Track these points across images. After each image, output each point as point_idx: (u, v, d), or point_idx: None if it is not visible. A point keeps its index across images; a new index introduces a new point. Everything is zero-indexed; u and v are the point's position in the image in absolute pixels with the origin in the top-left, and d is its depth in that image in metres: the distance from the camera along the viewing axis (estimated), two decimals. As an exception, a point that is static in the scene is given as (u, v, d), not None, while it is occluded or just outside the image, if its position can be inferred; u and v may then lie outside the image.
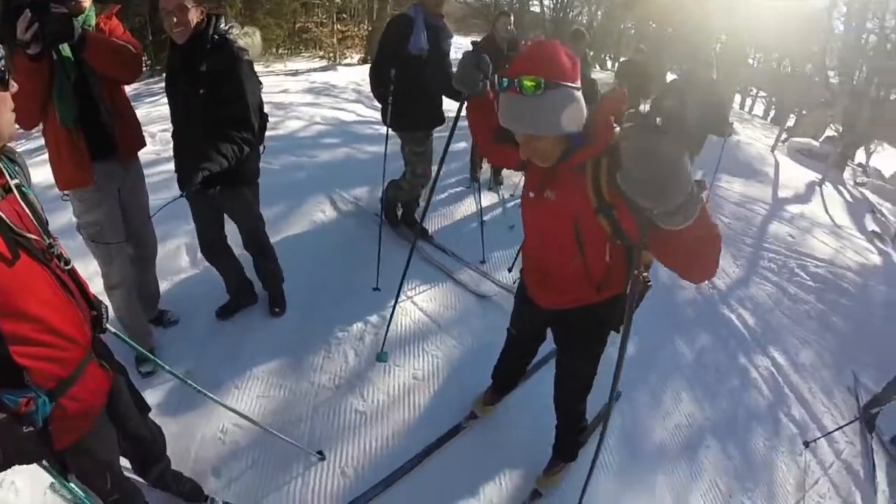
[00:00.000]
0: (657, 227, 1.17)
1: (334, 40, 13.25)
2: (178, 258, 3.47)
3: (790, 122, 19.73)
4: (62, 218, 2.76)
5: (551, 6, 27.05)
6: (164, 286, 3.06)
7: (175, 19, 2.23)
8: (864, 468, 3.26)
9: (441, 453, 2.47)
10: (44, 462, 1.33)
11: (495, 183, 5.40)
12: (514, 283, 2.24)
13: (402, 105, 3.34)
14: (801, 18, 14.93)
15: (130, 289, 2.60)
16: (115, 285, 2.52)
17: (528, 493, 2.37)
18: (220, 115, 2.31)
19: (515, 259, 2.22)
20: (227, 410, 2.38)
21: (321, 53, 13.21)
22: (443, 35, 3.42)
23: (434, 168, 3.73)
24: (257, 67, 2.48)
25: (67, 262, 1.33)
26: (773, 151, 10.88)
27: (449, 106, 3.35)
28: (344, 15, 14.78)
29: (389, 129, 3.54)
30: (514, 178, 5.49)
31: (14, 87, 1.21)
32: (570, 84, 1.44)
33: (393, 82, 3.27)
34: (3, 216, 1.15)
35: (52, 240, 1.30)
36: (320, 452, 2.38)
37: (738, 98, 24.18)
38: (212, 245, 2.85)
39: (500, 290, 3.72)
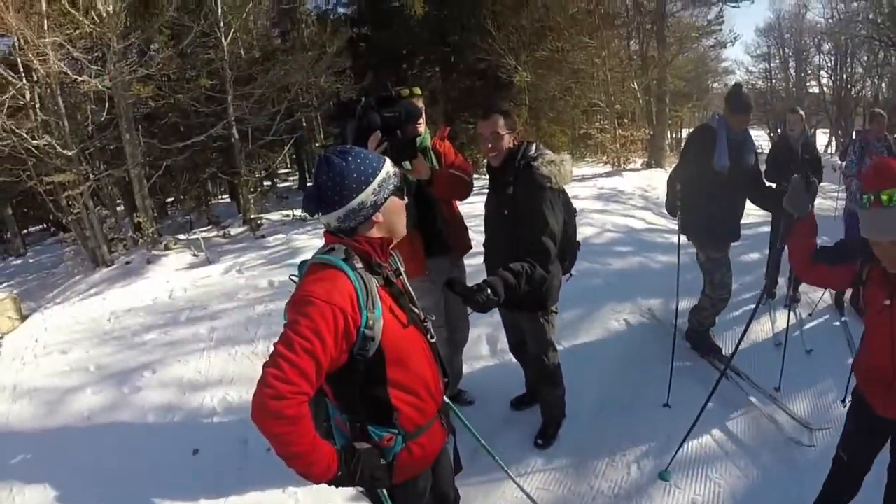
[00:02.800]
0: None
1: (617, 145, 13.58)
2: (479, 346, 3.86)
3: None
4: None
5: (831, 84, 24.35)
6: (464, 369, 3.40)
7: (490, 144, 2.45)
8: None
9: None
10: (378, 491, 1.52)
11: (792, 301, 4.68)
12: (848, 413, 2.14)
13: (699, 216, 3.33)
14: None
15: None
16: None
17: None
18: (519, 239, 2.40)
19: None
20: (503, 492, 2.59)
21: (605, 158, 13.67)
22: (745, 149, 3.36)
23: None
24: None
25: (433, 336, 1.61)
26: None
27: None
28: (624, 120, 15.10)
29: (683, 238, 3.52)
30: (811, 296, 4.87)
31: (406, 198, 1.55)
32: None
33: (678, 196, 3.35)
34: (404, 292, 1.52)
35: (426, 316, 1.61)
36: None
37: None
38: (518, 346, 3.06)
39: (794, 422, 3.23)
